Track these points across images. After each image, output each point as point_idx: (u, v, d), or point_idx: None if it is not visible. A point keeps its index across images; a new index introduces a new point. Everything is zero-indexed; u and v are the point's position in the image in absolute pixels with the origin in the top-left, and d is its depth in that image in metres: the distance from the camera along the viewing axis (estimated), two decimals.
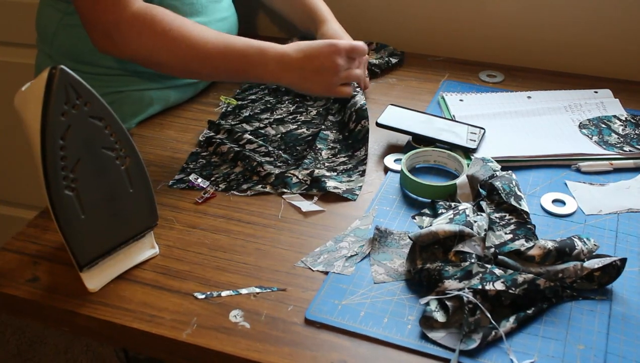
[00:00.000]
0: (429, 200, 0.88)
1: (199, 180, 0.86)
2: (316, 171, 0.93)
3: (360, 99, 1.05)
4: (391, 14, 1.33)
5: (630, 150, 0.97)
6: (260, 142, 1.02)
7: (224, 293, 0.76)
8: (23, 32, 1.60)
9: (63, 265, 0.80)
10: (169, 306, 0.75)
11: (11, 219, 1.95)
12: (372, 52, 1.30)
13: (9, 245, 0.84)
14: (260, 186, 0.93)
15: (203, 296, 0.76)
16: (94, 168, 0.71)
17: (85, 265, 0.74)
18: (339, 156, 1.00)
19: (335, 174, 0.95)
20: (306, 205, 0.89)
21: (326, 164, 0.97)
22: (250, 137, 1.04)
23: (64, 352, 0.86)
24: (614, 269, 0.74)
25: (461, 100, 1.12)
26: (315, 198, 0.91)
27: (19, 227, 0.87)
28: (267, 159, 0.99)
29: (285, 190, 0.92)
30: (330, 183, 0.92)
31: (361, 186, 0.93)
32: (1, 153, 1.85)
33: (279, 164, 0.98)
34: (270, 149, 1.01)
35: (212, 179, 0.96)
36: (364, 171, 0.96)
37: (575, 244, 0.75)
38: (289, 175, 0.93)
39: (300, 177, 0.93)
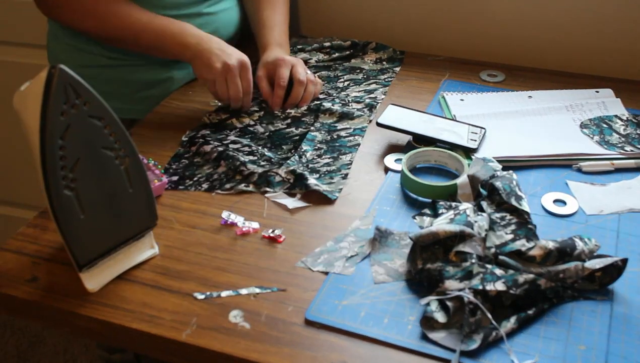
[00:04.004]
0: (430, 200, 0.87)
1: (232, 216, 0.86)
2: (298, 170, 0.93)
3: (362, 121, 1.07)
4: (392, 13, 1.33)
5: (631, 150, 0.97)
6: (245, 141, 1.03)
7: (223, 294, 0.76)
8: (24, 32, 1.60)
9: (62, 265, 0.80)
10: (168, 306, 0.74)
11: (11, 219, 1.95)
12: (371, 52, 1.30)
13: (9, 245, 0.84)
14: (243, 185, 0.93)
15: (203, 296, 0.75)
16: (93, 168, 0.71)
17: (85, 265, 0.74)
18: (323, 157, 1.00)
19: (318, 175, 0.95)
20: (291, 202, 0.89)
21: (309, 166, 0.97)
22: (234, 138, 1.04)
23: (63, 352, 0.86)
24: (615, 269, 0.74)
25: (462, 99, 1.12)
26: (299, 196, 0.91)
27: (19, 227, 0.87)
28: (251, 158, 0.99)
29: (268, 189, 0.92)
30: (312, 181, 0.92)
31: (341, 188, 0.92)
32: (1, 153, 1.84)
33: (262, 163, 0.98)
34: (254, 148, 1.01)
35: (195, 179, 0.96)
36: (346, 174, 0.95)
37: (577, 244, 0.75)
38: (272, 174, 0.93)
39: (283, 175, 0.93)
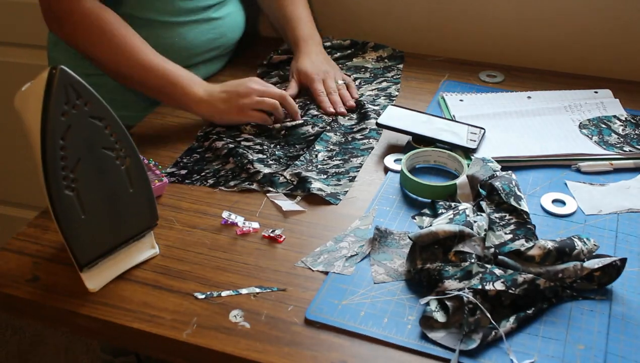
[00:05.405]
0: (429, 200, 0.88)
1: (232, 216, 0.86)
2: (304, 173, 0.93)
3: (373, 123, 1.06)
4: (391, 14, 1.33)
5: (630, 150, 0.97)
6: (258, 140, 1.03)
7: (224, 293, 0.76)
8: (23, 32, 1.60)
9: (63, 265, 0.80)
10: (169, 306, 0.75)
11: (11, 219, 1.95)
12: (370, 50, 1.31)
13: (9, 245, 0.84)
14: (247, 183, 0.94)
15: (203, 296, 0.76)
16: (94, 168, 0.71)
17: (86, 265, 0.74)
18: (334, 159, 1.00)
19: (325, 177, 0.95)
20: (287, 205, 0.90)
21: (319, 166, 0.97)
22: (248, 135, 1.04)
23: (64, 352, 0.87)
24: (614, 269, 0.74)
25: (461, 100, 1.12)
26: (299, 198, 0.91)
27: (19, 227, 0.87)
28: (260, 156, 0.99)
29: (270, 189, 0.92)
30: (315, 185, 0.91)
31: (347, 191, 0.92)
32: (1, 153, 1.85)
33: (270, 162, 0.98)
34: (265, 146, 1.01)
35: (202, 174, 0.96)
36: (354, 177, 0.95)
37: (575, 244, 0.75)
38: (277, 175, 0.94)
39: (288, 177, 0.93)
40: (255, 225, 0.86)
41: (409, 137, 1.03)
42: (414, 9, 1.31)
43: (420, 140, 1.01)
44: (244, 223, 0.86)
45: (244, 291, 0.76)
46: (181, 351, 0.71)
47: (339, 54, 1.29)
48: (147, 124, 1.11)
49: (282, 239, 0.84)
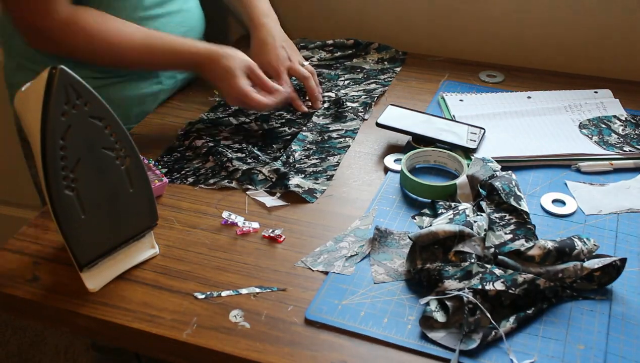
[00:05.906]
0: (429, 200, 0.88)
1: (232, 216, 0.86)
2: (282, 169, 0.94)
3: (355, 124, 1.07)
4: (391, 14, 1.33)
5: (630, 150, 0.97)
6: (237, 138, 1.03)
7: (224, 293, 0.76)
8: None
9: (63, 265, 0.80)
10: (169, 306, 0.75)
11: (11, 219, 1.95)
12: (373, 52, 1.31)
13: (9, 245, 0.84)
14: (226, 181, 0.94)
15: (203, 296, 0.76)
16: (94, 168, 0.71)
17: (86, 265, 0.74)
18: (311, 158, 1.00)
19: (303, 176, 0.95)
20: (270, 201, 0.90)
21: (296, 166, 0.97)
22: (227, 134, 1.04)
23: (64, 352, 0.87)
24: (614, 269, 0.74)
25: (461, 100, 1.12)
26: (278, 195, 0.91)
27: (19, 227, 0.87)
28: (239, 154, 0.99)
29: (249, 187, 0.93)
30: (293, 181, 0.92)
31: (324, 189, 0.92)
32: (2, 153, 1.85)
33: (249, 161, 0.98)
34: (244, 144, 1.01)
35: (183, 172, 0.97)
36: (331, 176, 0.95)
37: (575, 244, 0.75)
38: (256, 171, 0.94)
39: (266, 174, 0.94)
40: (255, 225, 0.86)
41: (409, 137, 1.03)
42: (415, 9, 1.31)
43: (420, 140, 1.01)
44: (244, 223, 0.86)
45: (244, 291, 0.76)
46: (181, 351, 0.71)
47: (339, 53, 1.29)
48: (147, 124, 1.11)
49: (282, 239, 0.84)
